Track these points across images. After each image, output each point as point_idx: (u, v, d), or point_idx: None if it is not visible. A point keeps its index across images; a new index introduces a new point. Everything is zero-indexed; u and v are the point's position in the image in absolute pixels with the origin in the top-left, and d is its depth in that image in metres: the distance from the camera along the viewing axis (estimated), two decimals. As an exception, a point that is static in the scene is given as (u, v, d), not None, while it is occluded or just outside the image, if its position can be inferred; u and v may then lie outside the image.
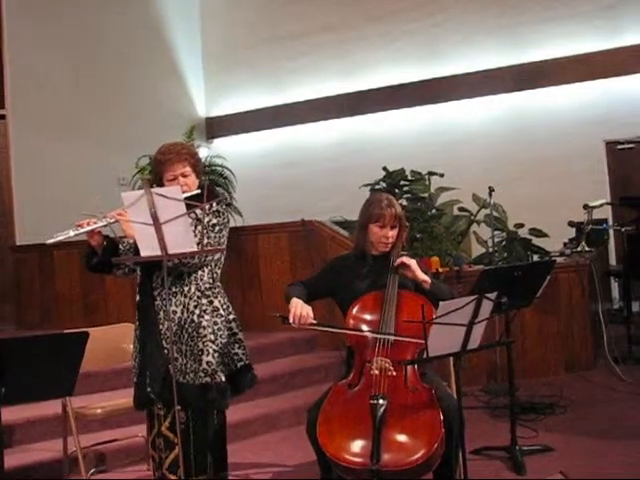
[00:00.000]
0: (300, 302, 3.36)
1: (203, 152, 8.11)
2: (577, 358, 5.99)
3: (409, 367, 3.20)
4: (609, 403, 5.12)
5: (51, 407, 4.17)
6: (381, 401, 3.06)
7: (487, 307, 2.93)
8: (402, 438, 3.00)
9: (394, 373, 3.19)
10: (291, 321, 3.30)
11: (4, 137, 7.99)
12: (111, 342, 4.20)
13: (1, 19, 7.75)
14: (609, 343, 5.86)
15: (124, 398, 3.93)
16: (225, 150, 9.52)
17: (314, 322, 3.32)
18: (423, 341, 2.93)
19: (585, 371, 5.90)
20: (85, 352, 3.91)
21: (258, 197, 8.72)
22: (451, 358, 3.43)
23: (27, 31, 7.83)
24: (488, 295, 2.88)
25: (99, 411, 4.03)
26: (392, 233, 3.50)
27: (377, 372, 3.19)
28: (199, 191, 3.42)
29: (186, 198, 3.36)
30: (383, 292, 3.41)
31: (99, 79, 8.29)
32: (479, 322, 2.93)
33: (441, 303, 2.91)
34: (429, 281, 3.48)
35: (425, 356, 2.96)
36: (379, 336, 3.26)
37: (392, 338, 3.20)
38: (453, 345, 2.98)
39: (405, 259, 3.48)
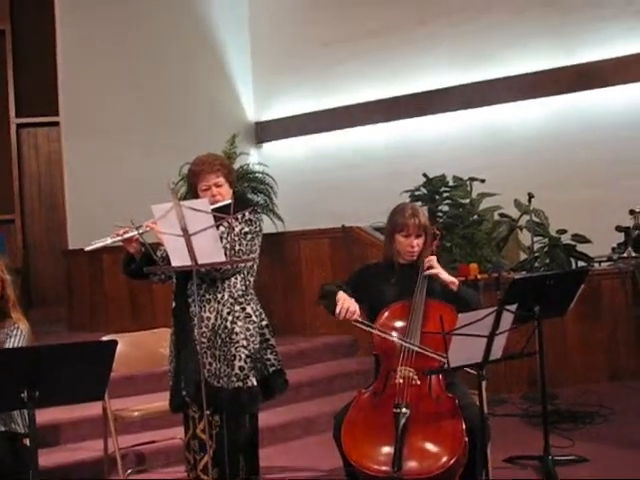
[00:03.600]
0: (347, 297, 3.40)
1: (248, 159, 8.17)
2: (621, 366, 5.90)
3: (434, 377, 3.23)
4: (652, 414, 5.05)
5: (95, 408, 4.30)
6: (404, 410, 3.10)
7: (508, 318, 2.94)
8: (424, 446, 3.04)
9: (418, 382, 3.22)
10: (337, 312, 3.34)
11: (57, 143, 8.25)
12: (150, 346, 4.32)
13: (54, 26, 7.96)
14: (655, 351, 5.78)
15: (162, 401, 4.03)
16: (274, 154, 9.61)
17: (359, 319, 3.36)
18: (443, 355, 2.95)
19: (629, 380, 5.80)
20: (125, 356, 4.11)
21: (305, 202, 8.77)
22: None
23: (78, 38, 8.01)
24: (508, 307, 2.89)
25: (136, 414, 4.16)
26: (417, 242, 3.52)
27: (401, 381, 3.22)
28: (230, 201, 3.52)
29: (217, 208, 3.47)
30: (411, 301, 3.44)
31: (149, 85, 8.42)
32: (500, 333, 2.94)
33: (460, 315, 2.93)
34: (457, 282, 3.49)
35: (446, 366, 2.99)
36: (405, 344, 3.30)
37: (416, 349, 3.23)
38: (475, 356, 2.99)
39: (430, 264, 3.48)
